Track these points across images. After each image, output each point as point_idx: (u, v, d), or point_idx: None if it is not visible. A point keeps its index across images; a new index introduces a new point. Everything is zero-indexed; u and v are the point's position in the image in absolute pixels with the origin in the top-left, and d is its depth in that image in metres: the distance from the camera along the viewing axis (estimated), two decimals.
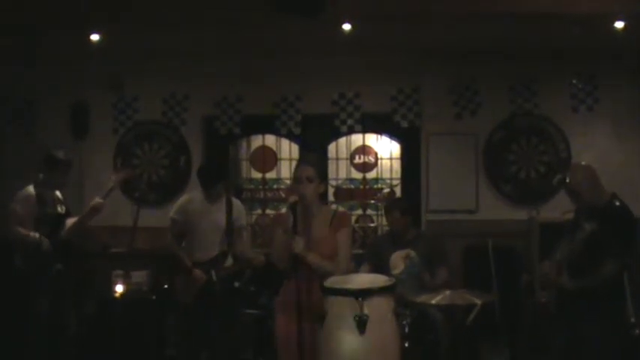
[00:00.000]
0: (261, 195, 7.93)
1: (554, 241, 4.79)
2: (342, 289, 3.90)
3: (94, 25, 6.12)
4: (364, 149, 7.83)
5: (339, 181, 7.81)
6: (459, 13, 5.76)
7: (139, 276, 6.81)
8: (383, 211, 7.42)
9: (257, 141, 7.94)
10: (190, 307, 5.55)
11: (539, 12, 5.61)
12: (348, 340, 3.76)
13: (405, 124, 7.36)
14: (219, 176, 5.75)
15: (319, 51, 6.84)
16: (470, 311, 4.93)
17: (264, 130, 7.76)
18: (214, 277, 5.49)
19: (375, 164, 7.84)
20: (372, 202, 7.80)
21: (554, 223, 5.72)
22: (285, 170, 7.83)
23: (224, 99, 7.47)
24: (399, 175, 7.75)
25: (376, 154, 7.84)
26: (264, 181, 7.93)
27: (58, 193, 5.63)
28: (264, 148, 7.91)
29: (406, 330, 4.97)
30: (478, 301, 4.69)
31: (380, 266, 5.76)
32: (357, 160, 7.84)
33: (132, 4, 5.64)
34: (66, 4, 5.58)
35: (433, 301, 4.72)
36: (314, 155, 6.18)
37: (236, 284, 5.67)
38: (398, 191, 7.73)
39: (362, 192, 7.83)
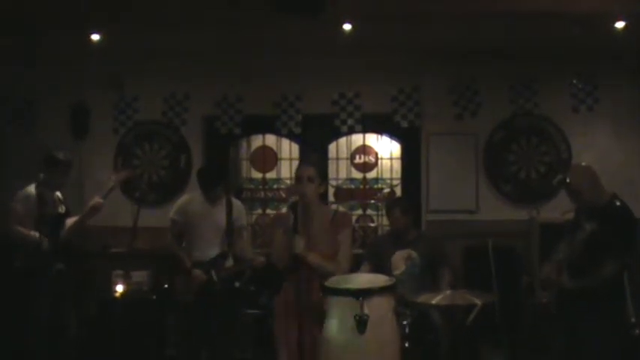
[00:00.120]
0: (262, 195, 7.93)
1: (555, 241, 4.79)
2: (343, 289, 3.90)
3: (94, 25, 6.13)
4: (364, 149, 7.83)
5: (340, 181, 7.81)
6: (459, 13, 5.76)
7: (139, 276, 6.82)
8: (383, 211, 7.46)
9: (257, 141, 7.94)
10: (190, 307, 5.54)
11: (539, 11, 5.61)
12: (348, 339, 3.76)
13: (405, 124, 7.35)
14: (219, 178, 5.74)
15: (319, 51, 6.84)
16: (470, 311, 4.91)
17: (264, 130, 7.76)
18: (215, 278, 5.49)
19: (376, 164, 7.84)
20: (373, 202, 7.80)
21: (554, 224, 5.71)
22: (286, 170, 7.84)
23: (224, 99, 7.47)
24: (399, 175, 7.75)
25: (376, 154, 7.84)
26: (264, 181, 7.93)
27: (58, 193, 5.63)
28: (264, 148, 7.91)
29: (406, 330, 4.96)
30: (478, 302, 4.68)
31: (380, 266, 5.75)
32: (358, 160, 7.85)
33: (132, 4, 5.64)
34: (66, 4, 5.58)
35: (433, 302, 4.72)
36: (315, 155, 6.20)
37: (236, 284, 5.66)
38: (398, 191, 7.73)
39: (362, 192, 7.83)
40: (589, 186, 4.63)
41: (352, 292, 3.82)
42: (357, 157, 7.84)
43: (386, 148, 7.81)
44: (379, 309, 3.82)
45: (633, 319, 4.65)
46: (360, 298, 3.76)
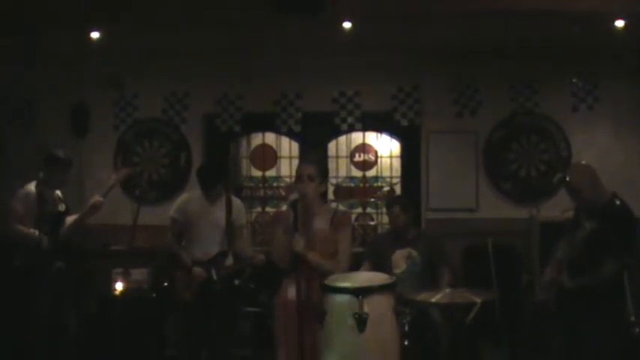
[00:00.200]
0: (261, 193, 7.93)
1: (555, 239, 4.79)
2: (342, 288, 3.90)
3: (94, 25, 6.12)
4: (364, 147, 7.83)
5: (339, 180, 7.81)
6: (458, 12, 5.76)
7: (139, 274, 6.82)
8: (383, 210, 7.46)
9: (257, 139, 7.94)
10: (190, 305, 5.55)
11: (539, 10, 5.61)
12: (348, 338, 3.77)
13: (405, 123, 7.36)
14: (219, 177, 5.74)
15: (319, 50, 6.83)
16: (470, 310, 4.92)
17: (264, 128, 7.76)
18: (214, 276, 5.49)
19: (375, 162, 7.84)
20: (372, 200, 7.80)
21: (554, 222, 5.73)
22: (285, 168, 7.85)
23: (224, 97, 7.47)
24: (399, 174, 7.75)
25: (376, 152, 7.84)
26: (264, 179, 7.93)
27: (58, 191, 5.63)
28: (264, 146, 7.92)
29: (406, 328, 4.95)
30: (478, 300, 4.68)
31: (380, 265, 5.76)
32: (357, 158, 7.85)
33: (132, 4, 5.63)
34: (66, 4, 5.57)
35: (433, 300, 4.72)
36: (316, 154, 6.20)
37: (236, 282, 5.67)
38: (398, 190, 7.73)
39: (362, 190, 7.83)
40: (589, 184, 4.63)
41: (352, 291, 3.82)
42: (357, 155, 7.84)
43: (386, 147, 7.82)
44: (379, 307, 3.82)
45: (633, 318, 4.66)
46: (360, 297, 3.76)
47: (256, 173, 7.95)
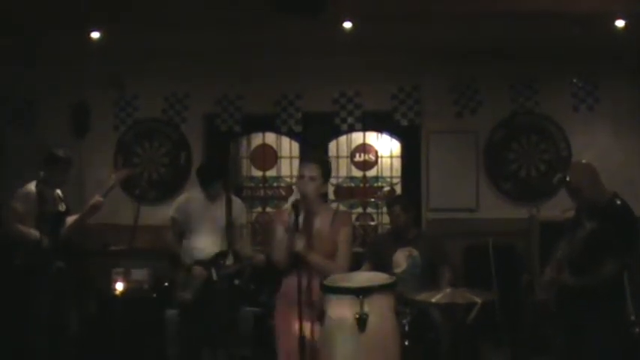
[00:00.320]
0: (262, 193, 7.94)
1: (555, 239, 4.79)
2: (343, 288, 3.90)
3: (94, 25, 6.12)
4: (364, 147, 7.83)
5: (340, 180, 7.81)
6: (459, 13, 5.76)
7: (140, 274, 6.82)
8: (383, 209, 7.46)
9: (257, 139, 7.94)
10: (190, 305, 5.55)
11: (539, 11, 5.61)
12: (349, 338, 3.76)
13: (405, 123, 7.36)
14: (218, 175, 5.75)
15: (319, 50, 6.83)
16: (470, 310, 4.93)
17: (264, 128, 7.76)
18: (214, 276, 5.49)
19: (376, 162, 7.84)
20: (373, 200, 7.80)
21: (554, 222, 5.72)
22: (286, 168, 7.85)
23: (224, 97, 7.47)
24: (399, 174, 7.75)
25: (376, 152, 7.84)
26: (264, 179, 7.93)
27: (58, 191, 5.63)
28: (264, 146, 7.92)
29: (406, 328, 4.97)
30: (478, 300, 4.68)
31: (381, 265, 5.76)
32: (358, 158, 7.85)
33: (132, 4, 5.63)
34: (66, 4, 5.57)
35: (433, 300, 4.72)
36: (318, 154, 6.19)
37: (236, 282, 5.67)
38: (398, 190, 7.73)
39: (362, 190, 7.83)
40: (589, 183, 4.62)
41: (352, 291, 3.82)
42: (357, 155, 7.84)
43: (386, 147, 7.82)
44: (379, 307, 3.82)
45: (633, 318, 4.66)
46: (360, 297, 3.76)
47: (256, 173, 7.96)
